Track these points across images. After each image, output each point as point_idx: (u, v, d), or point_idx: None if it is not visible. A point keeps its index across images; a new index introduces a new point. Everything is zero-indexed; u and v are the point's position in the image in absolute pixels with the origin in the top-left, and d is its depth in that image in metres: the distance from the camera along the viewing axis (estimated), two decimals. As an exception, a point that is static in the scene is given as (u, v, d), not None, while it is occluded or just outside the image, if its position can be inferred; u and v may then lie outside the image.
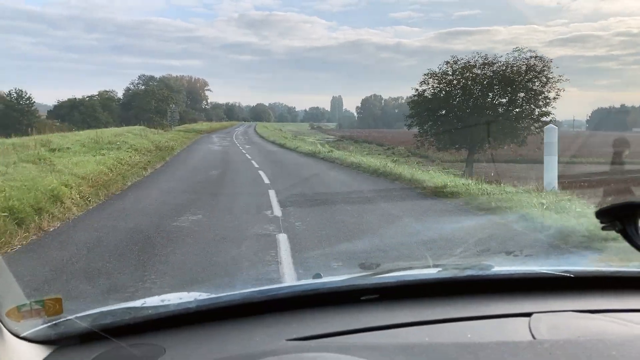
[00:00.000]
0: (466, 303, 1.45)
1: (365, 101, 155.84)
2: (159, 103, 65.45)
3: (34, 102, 53.19)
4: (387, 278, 1.61)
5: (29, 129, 37.14)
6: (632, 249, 1.26)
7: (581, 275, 1.58)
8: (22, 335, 1.23)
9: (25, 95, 51.97)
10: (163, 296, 1.52)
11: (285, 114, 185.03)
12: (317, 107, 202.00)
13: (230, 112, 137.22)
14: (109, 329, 1.26)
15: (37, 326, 1.27)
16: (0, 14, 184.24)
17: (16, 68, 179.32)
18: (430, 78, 24.99)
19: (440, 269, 1.73)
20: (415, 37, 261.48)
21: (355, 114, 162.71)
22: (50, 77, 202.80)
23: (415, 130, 30.04)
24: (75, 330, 1.27)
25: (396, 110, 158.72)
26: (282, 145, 32.58)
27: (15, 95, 51.67)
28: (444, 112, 24.67)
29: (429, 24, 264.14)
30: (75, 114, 59.53)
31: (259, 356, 1.14)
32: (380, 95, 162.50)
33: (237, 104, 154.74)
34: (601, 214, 1.33)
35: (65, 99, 62.85)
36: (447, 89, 24.49)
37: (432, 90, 25.04)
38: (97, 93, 65.79)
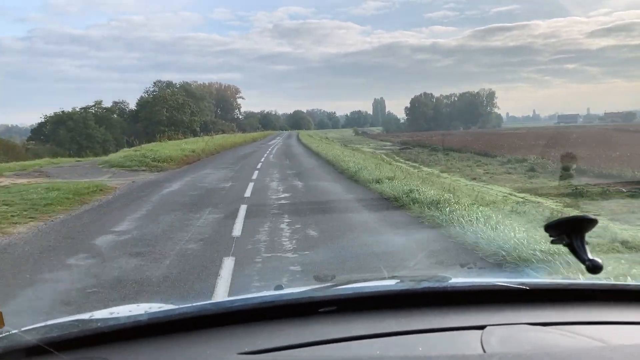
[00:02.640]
0: (421, 315, 1.43)
1: (415, 101, 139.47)
2: (172, 112, 51.33)
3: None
4: (345, 290, 1.57)
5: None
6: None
7: (536, 287, 1.57)
8: None
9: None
10: (113, 309, 1.48)
11: (325, 120, 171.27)
12: (359, 111, 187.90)
13: (265, 121, 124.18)
14: (56, 342, 1.20)
15: None
16: (46, 39, 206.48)
17: (64, 91, 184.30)
18: None
19: (397, 280, 1.68)
20: (451, 36, 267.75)
21: (403, 115, 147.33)
22: (94, 98, 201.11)
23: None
24: (19, 344, 1.21)
25: (446, 110, 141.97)
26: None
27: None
28: None
29: (465, 22, 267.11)
30: (60, 132, 45.63)
31: None
32: (432, 94, 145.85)
33: (273, 112, 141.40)
34: (550, 228, 1.41)
35: (52, 113, 48.81)
36: None
37: None
38: (93, 103, 51.59)
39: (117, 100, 63.05)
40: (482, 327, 1.30)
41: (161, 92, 59.32)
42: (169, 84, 70.38)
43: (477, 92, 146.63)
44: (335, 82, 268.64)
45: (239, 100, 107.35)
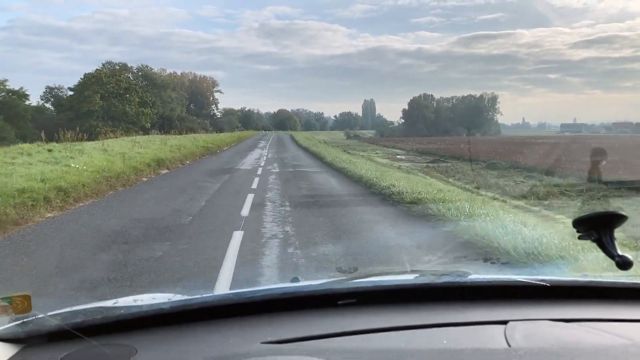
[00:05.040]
0: (443, 309, 1.43)
1: (414, 103, 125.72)
2: (110, 100, 36.45)
3: None
4: (365, 283, 1.57)
5: None
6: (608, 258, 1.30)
7: (557, 285, 1.55)
8: None
9: None
10: (136, 296, 1.49)
11: (312, 121, 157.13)
12: (349, 113, 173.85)
13: (246, 120, 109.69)
14: (80, 327, 1.22)
15: (4, 324, 1.23)
16: (27, 29, 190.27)
17: (45, 83, 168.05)
18: None
19: (417, 274, 1.70)
20: (436, 42, 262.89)
21: (393, 118, 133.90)
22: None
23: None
24: (44, 328, 1.23)
25: (446, 114, 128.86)
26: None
27: None
28: None
29: (451, 28, 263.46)
30: None
31: (232, 358, 1.15)
32: (432, 95, 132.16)
33: (255, 111, 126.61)
34: (578, 224, 1.37)
35: None
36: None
37: None
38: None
39: (52, 85, 47.85)
40: (504, 322, 1.29)
41: (96, 72, 43.71)
42: (124, 67, 55.09)
43: (480, 96, 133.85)
44: (321, 83, 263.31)
45: (217, 95, 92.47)
